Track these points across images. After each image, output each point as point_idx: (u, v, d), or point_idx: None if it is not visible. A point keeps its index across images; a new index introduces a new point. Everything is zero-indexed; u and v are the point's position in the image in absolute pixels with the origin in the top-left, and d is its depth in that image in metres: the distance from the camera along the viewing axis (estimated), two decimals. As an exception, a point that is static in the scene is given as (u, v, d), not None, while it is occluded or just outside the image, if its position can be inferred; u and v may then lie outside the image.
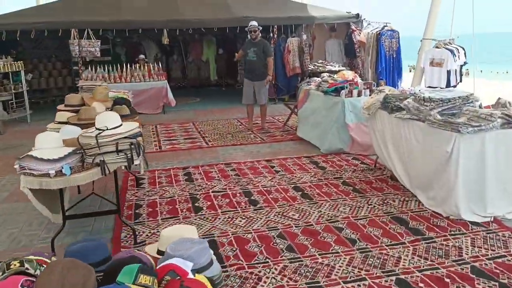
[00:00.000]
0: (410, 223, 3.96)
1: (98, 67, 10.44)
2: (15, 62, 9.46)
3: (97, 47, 10.06)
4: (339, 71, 11.64)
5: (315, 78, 11.32)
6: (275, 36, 11.36)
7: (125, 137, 3.40)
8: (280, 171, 5.65)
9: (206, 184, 5.21)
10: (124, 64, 10.56)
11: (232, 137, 7.75)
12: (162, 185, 5.23)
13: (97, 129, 3.40)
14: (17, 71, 10.55)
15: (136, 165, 3.60)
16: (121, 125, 3.50)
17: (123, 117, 4.43)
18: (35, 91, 12.65)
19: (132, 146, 3.40)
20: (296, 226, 3.95)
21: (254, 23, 7.84)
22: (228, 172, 5.67)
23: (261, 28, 7.96)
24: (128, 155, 3.38)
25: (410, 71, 13.34)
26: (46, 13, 10.47)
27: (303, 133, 7.33)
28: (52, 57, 13.71)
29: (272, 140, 7.43)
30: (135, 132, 3.49)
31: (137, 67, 10.55)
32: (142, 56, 11.10)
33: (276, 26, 11.31)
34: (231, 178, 5.40)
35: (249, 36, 7.84)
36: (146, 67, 10.61)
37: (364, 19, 11.83)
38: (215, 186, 5.13)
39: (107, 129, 3.37)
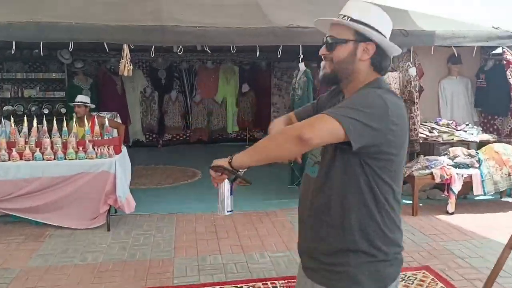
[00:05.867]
0: None
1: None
2: None
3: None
4: (480, 142, 5.86)
5: (437, 158, 5.52)
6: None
7: None
8: None
9: None
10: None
11: None
12: None
13: None
14: None
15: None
16: None
17: None
18: None
19: None
20: None
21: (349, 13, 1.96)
22: None
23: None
24: None
25: None
26: None
27: None
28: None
29: None
30: None
31: (65, 123, 4.93)
32: (81, 97, 5.34)
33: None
34: None
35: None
36: (78, 123, 5.03)
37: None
38: None
39: None
